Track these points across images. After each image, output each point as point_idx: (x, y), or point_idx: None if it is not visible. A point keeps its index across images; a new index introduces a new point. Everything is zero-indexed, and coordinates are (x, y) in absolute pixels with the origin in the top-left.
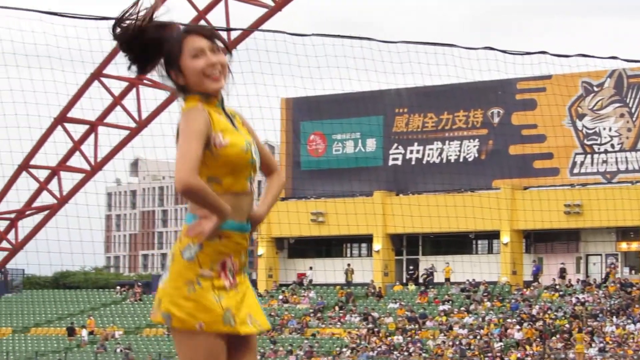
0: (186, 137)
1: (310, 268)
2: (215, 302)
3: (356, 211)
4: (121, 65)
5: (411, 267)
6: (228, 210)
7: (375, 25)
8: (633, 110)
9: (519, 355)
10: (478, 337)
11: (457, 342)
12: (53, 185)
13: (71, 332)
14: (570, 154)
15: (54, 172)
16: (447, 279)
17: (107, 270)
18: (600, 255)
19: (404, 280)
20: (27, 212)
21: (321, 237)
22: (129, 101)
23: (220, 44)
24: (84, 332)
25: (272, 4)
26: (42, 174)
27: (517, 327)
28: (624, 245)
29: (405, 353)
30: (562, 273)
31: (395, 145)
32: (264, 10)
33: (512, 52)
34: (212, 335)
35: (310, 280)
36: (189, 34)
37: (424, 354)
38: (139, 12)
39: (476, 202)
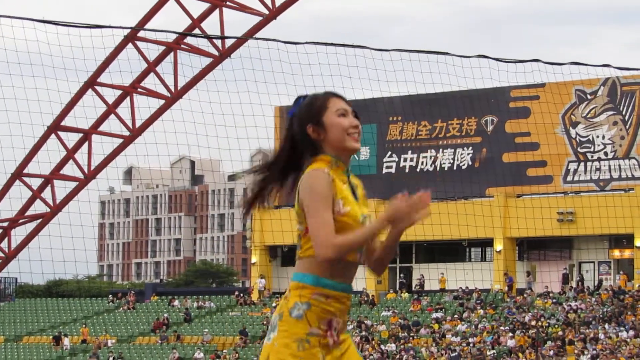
0: (317, 204)
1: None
2: (320, 359)
3: None
4: (114, 74)
5: (402, 275)
6: (382, 223)
7: (372, 34)
8: (626, 118)
9: None
10: (471, 344)
11: (450, 350)
12: (46, 193)
13: (58, 341)
14: (563, 162)
15: (48, 180)
16: (442, 289)
17: (100, 279)
18: (593, 262)
19: (397, 288)
20: (20, 221)
21: None
22: (123, 109)
23: None
24: (66, 341)
25: (267, 12)
26: (36, 183)
27: (510, 334)
28: (616, 253)
29: None
30: (565, 279)
31: (389, 153)
32: (258, 19)
33: (505, 60)
34: None
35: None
36: (335, 96)
37: None
38: None
39: (469, 210)
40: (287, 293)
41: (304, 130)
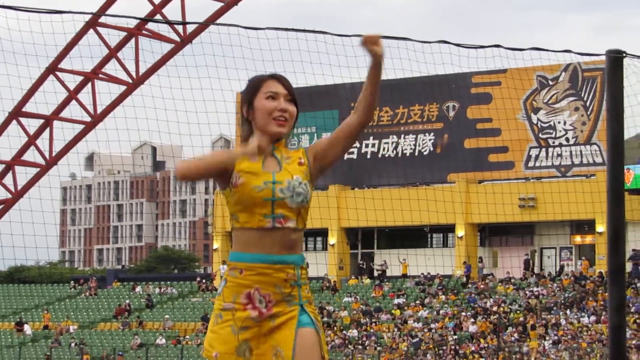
0: None
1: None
2: (231, 334)
3: (311, 205)
4: (75, 59)
5: (361, 262)
6: (237, 151)
7: (339, 19)
8: (588, 104)
9: (473, 348)
10: (433, 330)
11: (412, 336)
12: (7, 179)
13: (20, 326)
14: (525, 148)
15: (9, 166)
16: (404, 275)
17: (61, 265)
18: (555, 248)
19: (359, 274)
20: None
21: None
22: (84, 95)
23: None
24: (27, 327)
25: None
26: None
27: (472, 320)
28: (578, 239)
29: (360, 347)
30: (527, 264)
31: None
32: (219, 5)
33: (466, 46)
34: None
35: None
36: (272, 78)
37: (378, 348)
38: None
39: (431, 195)
40: None
41: (241, 111)
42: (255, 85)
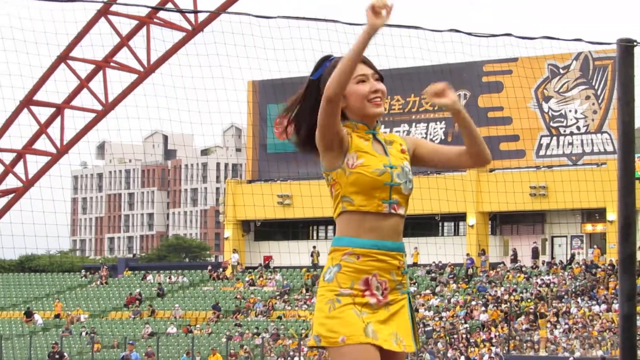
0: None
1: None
2: (355, 316)
3: (322, 194)
4: (87, 48)
5: None
6: (369, 28)
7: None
8: (599, 92)
9: (484, 336)
10: (444, 319)
11: (423, 324)
12: (19, 168)
13: (29, 315)
14: (536, 136)
15: (20, 155)
16: (415, 264)
17: (72, 254)
18: (566, 237)
19: None
20: None
21: (287, 219)
22: (95, 84)
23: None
24: (37, 317)
25: None
26: (8, 157)
27: (483, 308)
28: (589, 227)
29: None
30: (535, 253)
31: None
32: None
33: (477, 35)
34: (359, 347)
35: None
36: None
37: None
38: None
39: (442, 184)
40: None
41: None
42: None
